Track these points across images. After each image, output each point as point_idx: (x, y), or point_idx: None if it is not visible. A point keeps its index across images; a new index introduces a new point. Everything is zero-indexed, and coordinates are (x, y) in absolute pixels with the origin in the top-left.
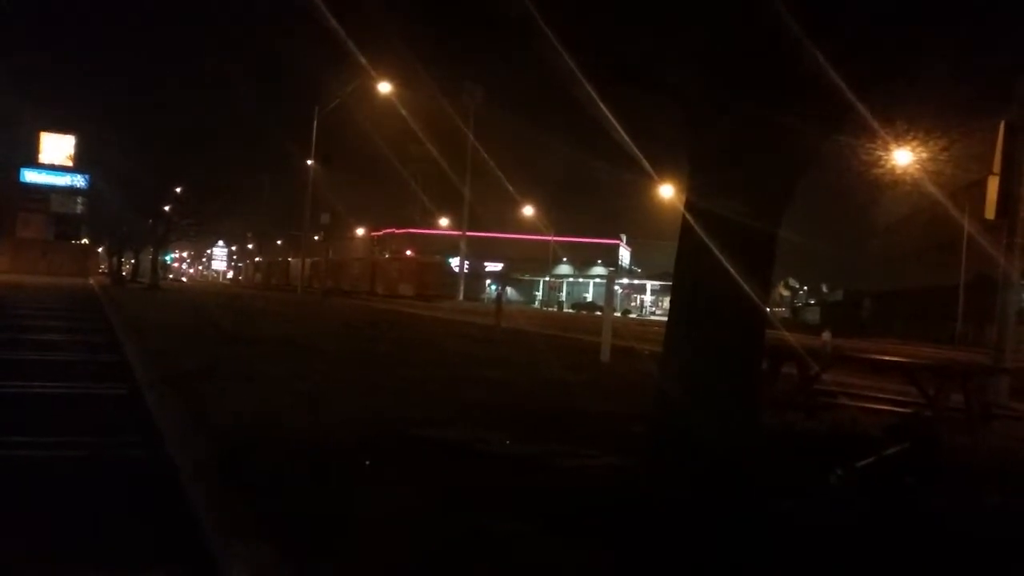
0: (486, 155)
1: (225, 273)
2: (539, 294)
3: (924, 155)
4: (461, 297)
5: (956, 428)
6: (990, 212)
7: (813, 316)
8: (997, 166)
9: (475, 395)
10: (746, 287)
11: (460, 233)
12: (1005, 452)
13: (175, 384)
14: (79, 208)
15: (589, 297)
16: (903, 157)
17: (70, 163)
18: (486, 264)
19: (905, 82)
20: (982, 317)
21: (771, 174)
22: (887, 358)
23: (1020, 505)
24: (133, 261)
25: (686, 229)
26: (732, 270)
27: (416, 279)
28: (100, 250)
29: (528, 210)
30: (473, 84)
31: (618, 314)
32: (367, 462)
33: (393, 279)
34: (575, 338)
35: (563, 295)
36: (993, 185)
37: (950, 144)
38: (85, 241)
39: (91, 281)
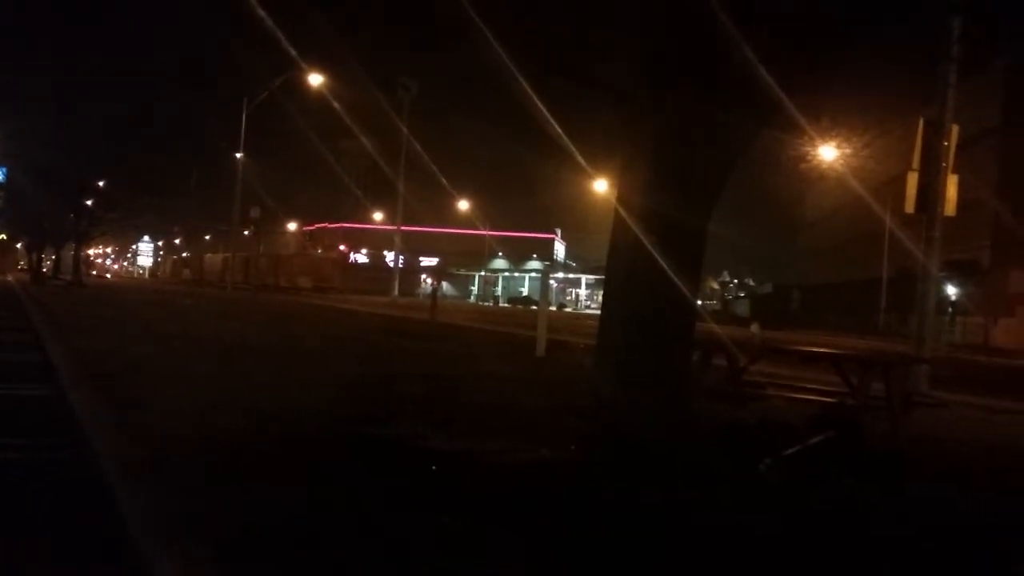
0: (421, 149)
1: (152, 269)
2: (475, 289)
3: (847, 151)
4: (396, 292)
5: (878, 416)
6: (910, 206)
7: (743, 309)
8: (916, 162)
9: (411, 390)
10: (677, 281)
11: (395, 228)
12: (925, 439)
13: (100, 383)
14: None
15: (525, 291)
16: (828, 153)
17: None
18: (421, 259)
19: (828, 79)
20: (904, 308)
21: (701, 170)
22: (813, 349)
23: (939, 490)
24: (54, 257)
25: (618, 224)
26: (663, 264)
27: (313, 273)
28: (19, 246)
29: (463, 205)
30: (408, 79)
31: (554, 308)
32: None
33: (293, 273)
34: (511, 332)
35: (499, 290)
36: (913, 180)
37: (871, 141)
38: (3, 237)
39: (10, 278)
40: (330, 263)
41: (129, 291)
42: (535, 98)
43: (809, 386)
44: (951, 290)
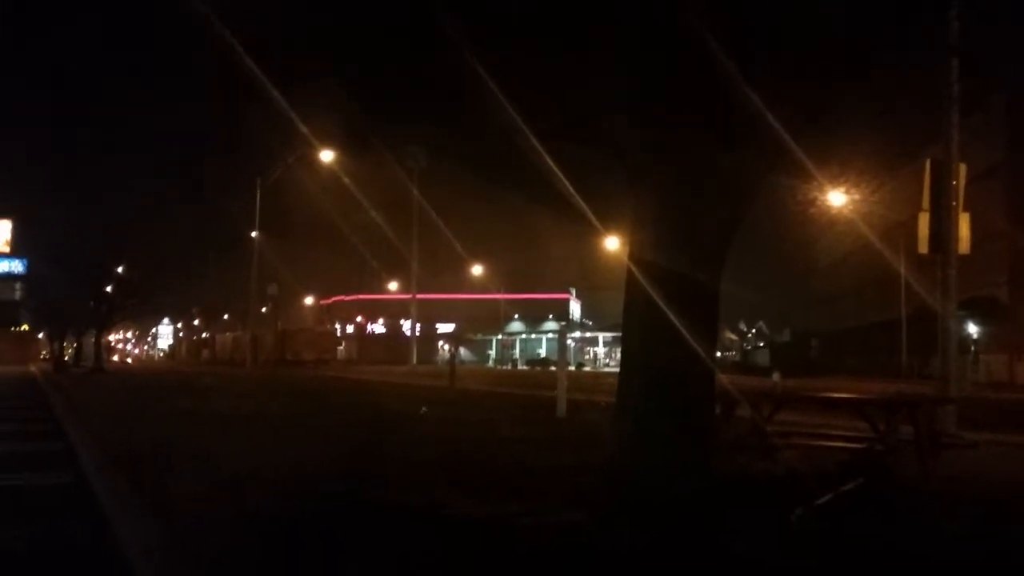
0: (434, 215)
1: (169, 351)
2: (492, 353)
3: (856, 197)
4: (414, 360)
5: (907, 459)
6: (923, 247)
7: (763, 358)
8: (926, 202)
9: (433, 456)
10: (693, 336)
11: (410, 296)
12: (956, 480)
13: (122, 470)
14: (17, 294)
15: (543, 353)
16: (837, 199)
17: (7, 249)
18: (438, 326)
19: (833, 124)
20: (926, 349)
21: (708, 223)
22: (836, 395)
23: (974, 532)
24: (76, 345)
25: (632, 282)
26: (677, 321)
27: (314, 346)
28: (41, 336)
29: (477, 270)
30: (416, 149)
31: (572, 368)
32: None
33: (298, 347)
34: (530, 394)
35: (516, 352)
36: (924, 221)
37: (880, 186)
38: (25, 327)
39: (33, 368)
40: (329, 336)
41: (149, 375)
42: (546, 157)
43: (835, 433)
44: (972, 328)
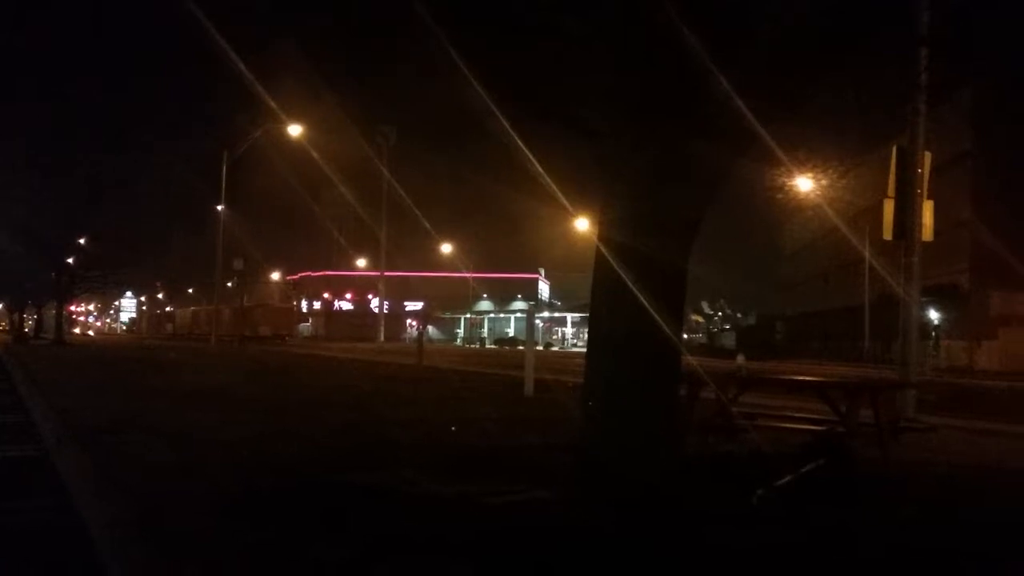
0: (403, 193)
1: (129, 325)
2: (461, 331)
3: (824, 183)
4: (382, 338)
5: (868, 442)
6: (887, 234)
7: (729, 341)
8: (892, 190)
9: (401, 436)
10: (660, 316)
11: (378, 273)
12: (914, 464)
13: (84, 443)
14: None
15: (511, 332)
16: (805, 184)
17: None
18: (406, 304)
19: (803, 110)
20: (888, 334)
21: (678, 205)
22: (799, 378)
23: (929, 515)
24: (36, 317)
25: (600, 262)
26: (645, 301)
27: (272, 322)
28: (0, 307)
29: (446, 248)
30: (386, 126)
31: (540, 347)
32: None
33: (256, 322)
34: (499, 374)
35: (485, 331)
36: (889, 208)
37: (848, 171)
38: None
39: None
40: (287, 312)
41: (110, 348)
42: (515, 138)
43: (798, 415)
44: (934, 314)
